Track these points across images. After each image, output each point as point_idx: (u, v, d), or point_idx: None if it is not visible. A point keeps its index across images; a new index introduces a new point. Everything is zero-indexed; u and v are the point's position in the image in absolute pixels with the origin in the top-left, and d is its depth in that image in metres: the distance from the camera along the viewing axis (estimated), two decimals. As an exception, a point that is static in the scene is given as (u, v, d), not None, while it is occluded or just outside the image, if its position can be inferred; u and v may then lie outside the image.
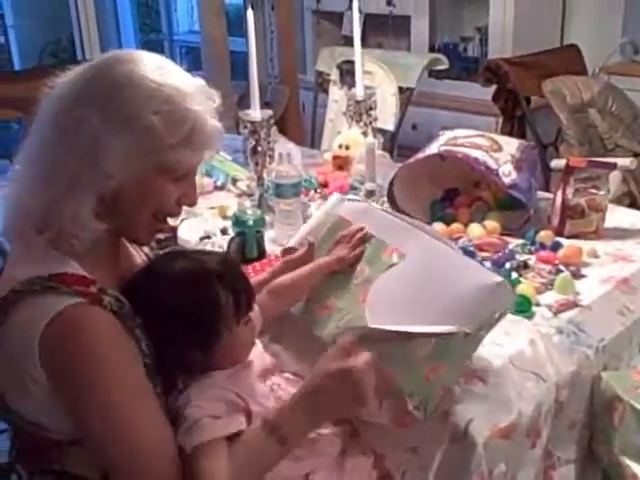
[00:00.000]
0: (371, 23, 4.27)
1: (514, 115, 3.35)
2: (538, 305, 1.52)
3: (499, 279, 1.20)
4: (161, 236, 1.57)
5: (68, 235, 1.13)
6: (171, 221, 1.33)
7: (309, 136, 3.62)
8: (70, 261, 1.15)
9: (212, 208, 2.12)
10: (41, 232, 1.15)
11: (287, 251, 1.58)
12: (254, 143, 2.05)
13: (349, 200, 1.57)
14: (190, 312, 1.18)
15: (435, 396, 1.19)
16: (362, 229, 1.44)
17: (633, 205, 2.65)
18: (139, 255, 1.36)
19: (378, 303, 1.28)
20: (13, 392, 1.16)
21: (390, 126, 3.02)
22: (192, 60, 5.86)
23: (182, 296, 1.18)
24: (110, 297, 1.13)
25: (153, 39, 6.59)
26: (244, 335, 1.24)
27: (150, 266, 1.26)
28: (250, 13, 2.04)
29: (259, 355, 1.31)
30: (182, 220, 1.93)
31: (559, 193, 1.88)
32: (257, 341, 1.32)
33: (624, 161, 2.15)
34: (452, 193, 2.04)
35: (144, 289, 1.20)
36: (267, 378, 1.29)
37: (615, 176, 2.41)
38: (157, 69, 1.16)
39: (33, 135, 1.18)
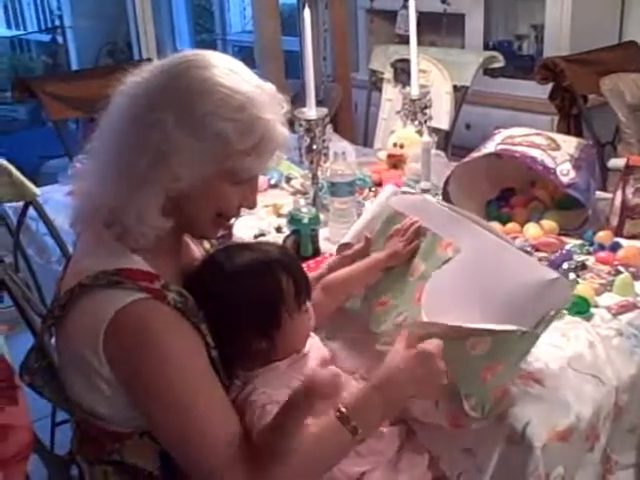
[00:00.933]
0: (425, 21, 4.21)
1: (570, 114, 3.29)
2: (597, 307, 1.50)
3: (555, 275, 1.19)
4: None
5: (134, 231, 1.16)
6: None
7: (361, 135, 3.61)
8: (135, 256, 1.17)
9: (266, 206, 2.14)
10: (109, 227, 1.18)
11: (343, 247, 1.59)
12: (309, 141, 2.06)
13: (403, 193, 1.56)
14: (255, 300, 1.20)
15: (492, 396, 1.18)
16: (415, 222, 1.43)
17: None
18: (199, 250, 1.38)
19: (434, 302, 1.27)
20: (76, 384, 1.19)
21: (444, 125, 2.99)
22: (244, 59, 5.90)
23: (247, 285, 1.21)
24: (173, 293, 1.15)
25: (206, 39, 6.66)
26: (303, 323, 1.27)
27: (210, 260, 1.28)
28: (307, 13, 2.05)
29: (317, 346, 1.32)
30: (237, 218, 1.95)
31: (618, 193, 1.85)
32: (313, 334, 1.33)
33: (685, 160, 2.10)
34: (508, 192, 2.02)
35: (206, 282, 1.23)
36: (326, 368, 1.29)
37: (676, 176, 2.35)
38: (231, 75, 1.17)
39: (103, 132, 1.20)
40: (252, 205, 1.28)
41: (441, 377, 1.16)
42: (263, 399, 1.17)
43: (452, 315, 1.19)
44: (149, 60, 1.31)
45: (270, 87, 1.23)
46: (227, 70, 1.18)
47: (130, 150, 1.15)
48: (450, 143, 3.06)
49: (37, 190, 2.00)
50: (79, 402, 1.20)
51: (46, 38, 6.33)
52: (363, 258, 1.45)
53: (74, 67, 5.83)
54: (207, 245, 1.41)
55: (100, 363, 1.12)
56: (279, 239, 1.85)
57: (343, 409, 1.13)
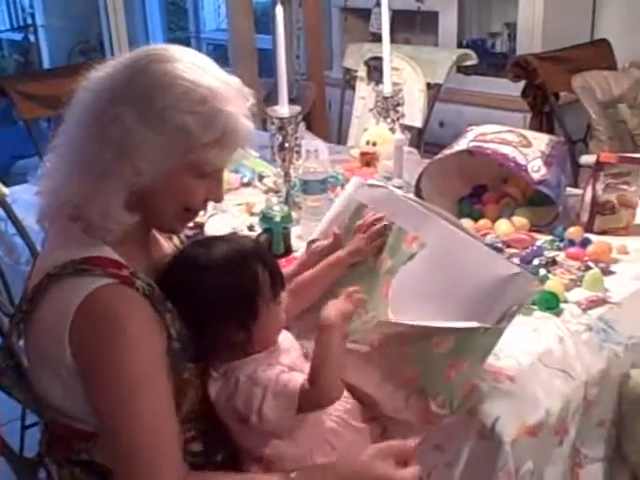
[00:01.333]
0: (399, 19, 4.24)
1: (543, 111, 3.32)
2: (567, 302, 1.51)
3: (517, 269, 1.19)
4: (189, 232, 1.59)
5: (100, 226, 1.15)
6: (199, 216, 1.34)
7: (335, 133, 3.62)
8: (104, 246, 1.17)
9: (239, 204, 2.13)
10: (75, 221, 1.17)
11: (312, 243, 1.58)
12: (281, 139, 2.06)
13: (369, 185, 1.53)
14: (233, 291, 1.20)
15: (459, 393, 1.18)
16: (380, 219, 1.42)
17: (664, 202, 2.61)
18: (169, 246, 1.38)
19: (400, 297, 1.27)
20: (44, 380, 1.18)
21: (417, 122, 3.00)
22: (219, 57, 5.88)
23: (224, 277, 1.21)
24: (142, 281, 1.14)
25: (180, 37, 6.62)
26: (279, 314, 1.27)
27: (183, 253, 1.28)
28: (279, 10, 2.05)
29: (290, 339, 1.32)
30: (209, 216, 1.95)
31: (589, 189, 1.86)
32: (285, 331, 1.33)
33: (655, 157, 2.12)
34: (480, 189, 2.03)
35: (181, 275, 1.22)
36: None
37: (646, 172, 2.38)
38: (194, 68, 1.16)
39: (67, 128, 1.19)
40: (218, 199, 1.27)
41: None
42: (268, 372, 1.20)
43: (417, 311, 1.20)
44: (119, 58, 1.30)
45: (236, 81, 1.23)
46: (190, 64, 1.17)
47: (92, 145, 1.14)
48: (423, 140, 3.07)
49: (6, 190, 1.98)
50: (47, 399, 1.19)
51: (18, 37, 6.27)
52: (334, 253, 1.45)
53: (46, 66, 5.79)
54: (177, 241, 1.40)
55: (64, 353, 1.10)
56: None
57: (293, 475, 1.14)
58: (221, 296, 1.20)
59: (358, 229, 1.44)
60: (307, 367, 1.24)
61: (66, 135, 1.19)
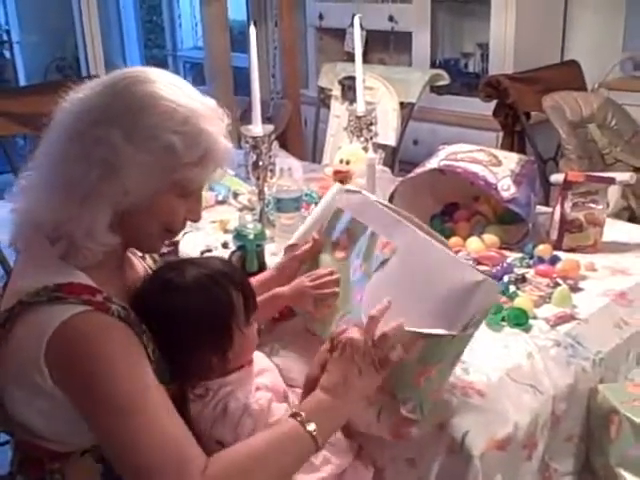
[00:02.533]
0: (373, 39, 4.30)
1: (514, 130, 3.37)
2: (535, 318, 1.54)
3: (481, 277, 1.19)
4: (164, 250, 1.59)
5: (82, 247, 1.15)
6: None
7: (311, 151, 3.64)
8: (77, 272, 1.16)
9: (213, 222, 2.14)
10: (53, 243, 1.17)
11: (290, 248, 1.59)
12: (255, 158, 2.07)
13: (347, 191, 1.54)
14: (207, 316, 1.21)
15: (429, 398, 1.20)
16: (330, 275, 1.42)
17: (632, 220, 2.66)
18: (142, 265, 1.38)
19: (372, 303, 1.28)
20: (17, 402, 1.17)
21: (391, 141, 3.04)
22: (196, 75, 5.91)
23: (198, 301, 1.22)
24: (116, 305, 1.14)
25: (157, 55, 6.64)
26: (252, 335, 1.29)
27: (157, 276, 1.28)
28: (252, 30, 2.07)
29: (262, 357, 1.34)
30: (184, 234, 1.95)
31: (557, 207, 1.90)
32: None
33: (623, 176, 2.17)
34: (452, 207, 2.06)
35: (155, 299, 1.23)
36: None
37: (614, 191, 2.43)
38: (173, 89, 1.18)
39: (46, 149, 1.19)
40: (197, 218, 1.28)
41: (376, 365, 1.17)
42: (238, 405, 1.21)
43: (387, 317, 1.21)
44: (96, 77, 1.31)
45: (210, 101, 1.24)
46: (168, 84, 1.19)
47: (76, 166, 1.14)
48: (397, 159, 3.11)
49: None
50: (19, 420, 1.18)
51: (-7, 53, 6.25)
52: (313, 258, 1.46)
53: (22, 82, 5.77)
54: (150, 261, 1.41)
55: (42, 379, 1.10)
56: (225, 255, 1.85)
57: (302, 414, 1.14)
58: (195, 321, 1.21)
59: (309, 276, 1.45)
60: (280, 383, 1.27)
61: (45, 156, 1.19)
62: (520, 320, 1.50)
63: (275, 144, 2.14)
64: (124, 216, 1.18)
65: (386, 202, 1.49)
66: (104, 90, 1.19)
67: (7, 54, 6.08)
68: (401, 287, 1.27)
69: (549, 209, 2.05)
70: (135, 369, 1.11)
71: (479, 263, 1.77)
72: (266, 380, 1.29)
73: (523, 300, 1.57)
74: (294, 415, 1.14)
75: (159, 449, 1.07)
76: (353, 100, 2.47)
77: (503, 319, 1.51)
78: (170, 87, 1.18)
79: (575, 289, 1.66)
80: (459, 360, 1.25)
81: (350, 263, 1.41)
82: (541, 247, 1.81)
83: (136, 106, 1.15)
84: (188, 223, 1.30)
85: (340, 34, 4.43)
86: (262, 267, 1.80)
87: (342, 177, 2.33)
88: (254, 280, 1.47)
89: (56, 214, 1.15)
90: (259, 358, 1.35)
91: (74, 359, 1.09)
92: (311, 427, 1.12)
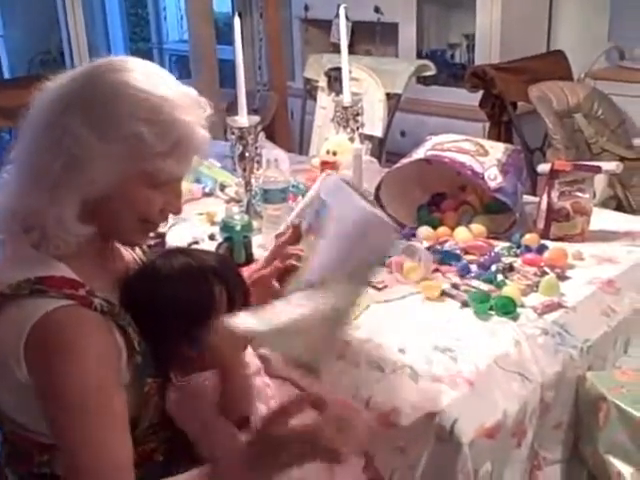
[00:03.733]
0: (359, 30, 4.30)
1: (501, 120, 3.38)
2: (523, 307, 1.54)
3: (379, 214, 1.21)
4: (150, 242, 1.58)
5: (53, 236, 1.14)
6: (160, 227, 1.34)
7: (297, 142, 3.64)
8: (59, 263, 1.15)
9: (200, 214, 2.13)
10: (27, 232, 1.16)
11: (279, 236, 1.59)
12: (242, 149, 2.06)
13: (327, 176, 1.54)
14: (185, 306, 1.20)
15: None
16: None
17: (619, 209, 2.68)
18: (133, 257, 1.37)
19: (314, 263, 1.29)
20: (2, 394, 1.17)
21: (378, 132, 3.03)
22: (182, 68, 5.88)
23: (178, 290, 1.21)
24: (99, 299, 1.14)
25: (142, 48, 6.61)
26: None
27: (148, 265, 1.28)
28: (237, 21, 2.06)
29: (249, 355, 1.33)
30: (171, 226, 1.95)
31: (544, 196, 1.90)
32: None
33: (610, 165, 2.17)
34: (439, 197, 2.06)
35: (144, 287, 1.22)
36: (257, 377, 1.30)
37: (601, 180, 2.44)
38: (147, 78, 1.16)
39: (21, 138, 1.19)
40: (176, 211, 1.26)
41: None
42: None
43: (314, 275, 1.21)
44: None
45: (192, 91, 1.23)
46: (144, 73, 1.17)
47: (44, 155, 1.13)
48: (384, 150, 3.11)
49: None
50: (5, 412, 1.18)
51: (-24, 47, 6.19)
52: (295, 244, 1.45)
53: (6, 76, 5.72)
54: (139, 252, 1.40)
55: (22, 371, 1.10)
56: (212, 247, 1.85)
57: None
58: (176, 310, 1.20)
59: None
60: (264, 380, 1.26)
61: (21, 146, 1.19)
62: (508, 309, 1.50)
63: (261, 135, 2.13)
64: (96, 205, 1.16)
65: (353, 184, 1.48)
66: (79, 78, 1.18)
67: (-9, 48, 6.03)
68: (329, 243, 1.27)
69: (536, 199, 2.06)
70: (100, 371, 1.10)
71: (466, 252, 1.77)
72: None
73: (511, 289, 1.58)
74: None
75: (94, 457, 1.06)
76: (339, 91, 2.46)
77: (491, 308, 1.51)
78: (147, 76, 1.16)
79: (562, 277, 1.66)
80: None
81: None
82: (528, 236, 1.81)
83: (105, 94, 1.14)
84: (176, 216, 1.29)
85: (326, 25, 4.43)
86: (249, 258, 1.79)
87: (329, 168, 2.32)
88: (245, 273, 1.47)
89: (27, 203, 1.15)
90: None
91: (45, 350, 1.09)
92: None
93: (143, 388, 1.18)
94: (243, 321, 1.14)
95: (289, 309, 1.16)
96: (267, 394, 1.28)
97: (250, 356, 1.34)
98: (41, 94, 1.18)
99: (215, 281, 1.23)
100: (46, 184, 1.13)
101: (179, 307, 1.20)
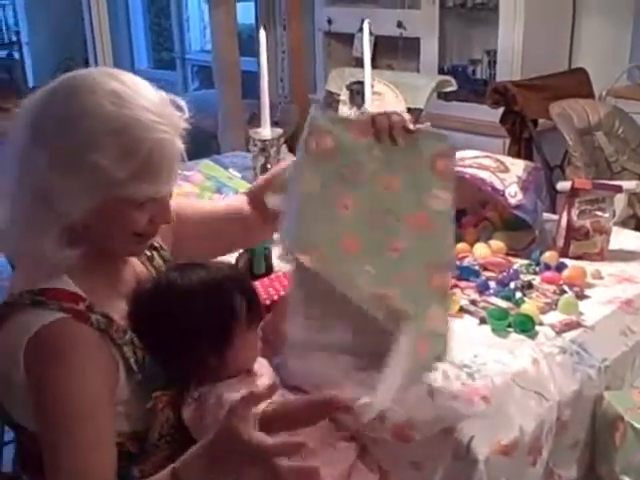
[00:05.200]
0: (382, 45, 4.31)
1: (521, 137, 3.37)
2: (542, 325, 1.53)
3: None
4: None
5: (43, 262, 1.15)
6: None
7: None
8: (63, 276, 1.17)
9: (221, 225, 2.14)
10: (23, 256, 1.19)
11: None
12: (264, 161, 2.08)
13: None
14: (209, 320, 1.22)
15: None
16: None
17: (638, 228, 2.66)
18: (145, 269, 1.36)
19: None
20: (6, 400, 1.19)
21: (399, 146, 3.03)
22: (204, 78, 5.92)
23: (202, 306, 1.22)
24: (97, 315, 1.15)
25: (165, 58, 6.66)
26: (253, 342, 1.29)
27: (162, 278, 1.29)
28: (262, 33, 2.08)
29: (266, 367, 1.34)
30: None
31: (564, 214, 1.90)
32: (262, 359, 1.34)
33: (630, 184, 2.17)
34: (459, 213, 2.06)
35: (162, 302, 1.23)
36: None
37: (620, 199, 2.42)
38: (112, 99, 1.11)
39: (6, 166, 1.17)
40: (165, 221, 1.24)
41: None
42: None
43: None
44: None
45: (165, 99, 1.18)
46: (110, 93, 1.12)
47: (16, 186, 1.14)
48: (404, 164, 3.10)
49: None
50: (15, 418, 1.20)
51: (2, 54, 6.27)
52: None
53: (30, 84, 5.78)
54: (159, 261, 1.40)
55: (22, 379, 1.11)
56: (232, 258, 1.85)
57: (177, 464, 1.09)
58: (200, 325, 1.21)
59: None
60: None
61: (5, 165, 1.17)
62: (526, 326, 1.50)
63: (283, 147, 2.14)
64: (83, 229, 1.15)
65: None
66: (46, 99, 1.15)
67: (16, 55, 6.11)
68: None
69: (555, 216, 2.06)
70: (91, 385, 1.10)
71: (485, 269, 1.78)
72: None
73: (529, 306, 1.58)
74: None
75: (71, 469, 1.07)
76: (361, 105, 2.47)
77: (509, 325, 1.51)
78: (112, 97, 1.11)
79: (581, 296, 1.66)
80: None
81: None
82: (547, 254, 1.82)
83: (64, 123, 1.10)
84: None
85: (348, 39, 4.44)
86: (269, 269, 1.80)
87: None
88: (226, 205, 1.55)
89: (11, 232, 1.16)
90: (262, 365, 1.34)
91: (39, 362, 1.10)
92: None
93: (147, 402, 1.19)
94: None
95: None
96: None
97: (269, 369, 1.35)
98: (18, 116, 1.16)
99: (235, 291, 1.25)
100: (23, 215, 1.14)
101: (203, 322, 1.21)
